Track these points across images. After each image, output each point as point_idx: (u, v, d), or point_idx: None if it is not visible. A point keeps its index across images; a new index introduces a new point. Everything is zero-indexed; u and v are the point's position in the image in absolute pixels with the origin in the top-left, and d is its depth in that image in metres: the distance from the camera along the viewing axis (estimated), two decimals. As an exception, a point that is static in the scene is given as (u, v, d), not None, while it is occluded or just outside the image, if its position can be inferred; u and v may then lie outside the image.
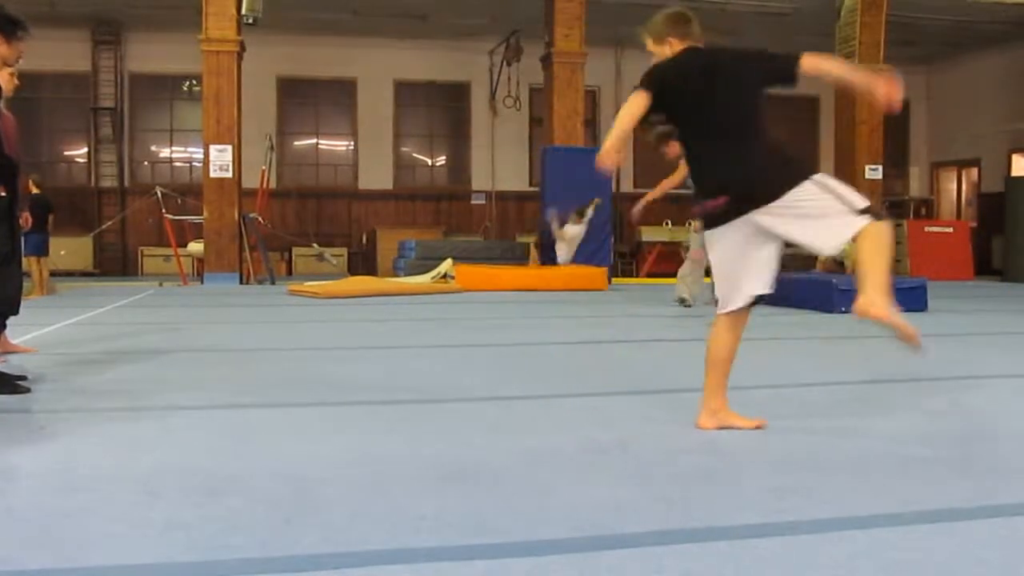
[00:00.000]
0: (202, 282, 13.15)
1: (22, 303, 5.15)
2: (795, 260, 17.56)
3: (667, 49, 3.44)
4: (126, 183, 16.67)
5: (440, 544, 1.99)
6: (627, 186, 18.35)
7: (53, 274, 11.05)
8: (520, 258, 13.85)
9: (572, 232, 12.42)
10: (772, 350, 5.52)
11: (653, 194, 7.56)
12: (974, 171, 19.11)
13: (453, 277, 11.85)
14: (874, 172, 15.39)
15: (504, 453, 2.87)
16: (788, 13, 15.72)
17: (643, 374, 4.61)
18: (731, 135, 3.13)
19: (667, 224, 16.57)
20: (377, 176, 17.53)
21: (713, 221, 3.10)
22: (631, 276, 16.17)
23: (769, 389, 4.03)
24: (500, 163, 17.85)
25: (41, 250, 10.06)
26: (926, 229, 16.38)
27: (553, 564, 1.87)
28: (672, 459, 2.81)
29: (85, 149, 16.80)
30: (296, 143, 17.66)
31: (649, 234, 16.25)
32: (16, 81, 4.90)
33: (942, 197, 20.06)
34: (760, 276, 3.09)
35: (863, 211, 2.90)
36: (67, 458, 2.81)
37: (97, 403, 3.74)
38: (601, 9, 14.74)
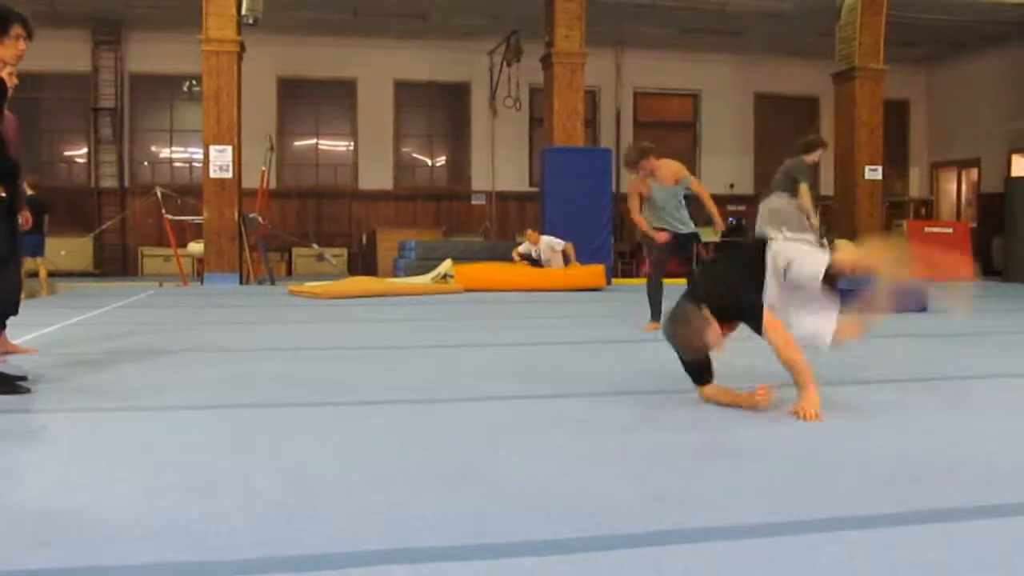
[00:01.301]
0: (202, 282, 13.15)
1: (24, 304, 5.16)
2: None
3: None
4: (126, 183, 16.66)
5: (440, 544, 1.99)
6: (627, 186, 18.36)
7: (50, 275, 11.04)
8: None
9: (544, 244, 12.45)
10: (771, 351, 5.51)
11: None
12: (974, 171, 19.11)
13: (453, 277, 11.86)
14: (874, 172, 15.40)
15: (504, 453, 2.87)
16: (788, 13, 15.72)
17: (643, 374, 4.60)
18: None
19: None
20: (377, 176, 17.53)
21: None
22: (631, 276, 16.17)
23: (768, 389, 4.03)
24: (500, 163, 17.85)
25: (37, 251, 10.05)
26: (926, 229, 16.37)
27: (553, 564, 1.87)
28: (672, 459, 2.81)
29: (85, 149, 16.79)
30: (296, 143, 17.66)
31: (649, 234, 16.25)
32: (15, 80, 4.87)
33: (942, 197, 20.06)
34: None
35: None
36: (67, 458, 2.81)
37: (97, 403, 3.74)
38: (601, 9, 14.75)
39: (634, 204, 7.16)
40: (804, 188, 8.32)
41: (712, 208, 7.15)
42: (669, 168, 7.11)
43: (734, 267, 3.78)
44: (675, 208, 7.14)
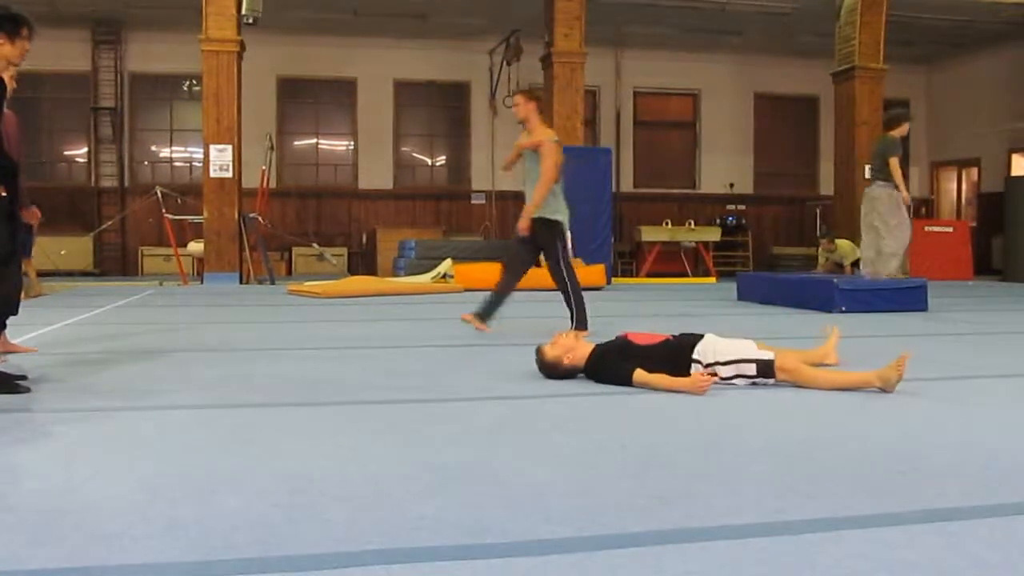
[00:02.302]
0: (202, 282, 13.16)
1: (22, 303, 5.15)
2: (795, 260, 17.59)
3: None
4: (126, 183, 16.67)
5: (440, 544, 1.99)
6: (627, 186, 18.37)
7: (50, 274, 11.03)
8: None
9: None
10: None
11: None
12: (974, 171, 19.12)
13: (452, 277, 11.86)
14: (874, 172, 15.39)
15: (504, 453, 2.87)
16: (788, 13, 15.73)
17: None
18: None
19: (667, 224, 16.58)
20: (377, 176, 17.54)
21: None
22: (631, 276, 16.18)
23: (768, 388, 4.04)
24: (500, 163, 17.83)
25: (26, 251, 10.02)
26: (926, 229, 16.39)
27: (553, 564, 1.87)
28: (672, 458, 2.81)
29: (85, 149, 16.80)
30: (296, 143, 17.67)
31: (649, 234, 16.28)
32: (14, 84, 4.89)
33: (942, 197, 20.07)
34: None
35: None
36: (67, 458, 2.81)
37: (97, 403, 3.74)
38: (601, 9, 14.75)
39: (511, 155, 6.49)
40: (893, 162, 8.76)
41: (536, 195, 6.15)
42: (544, 131, 6.27)
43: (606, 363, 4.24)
44: (533, 180, 6.24)
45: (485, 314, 6.34)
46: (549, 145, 6.16)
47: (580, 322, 6.22)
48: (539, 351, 4.37)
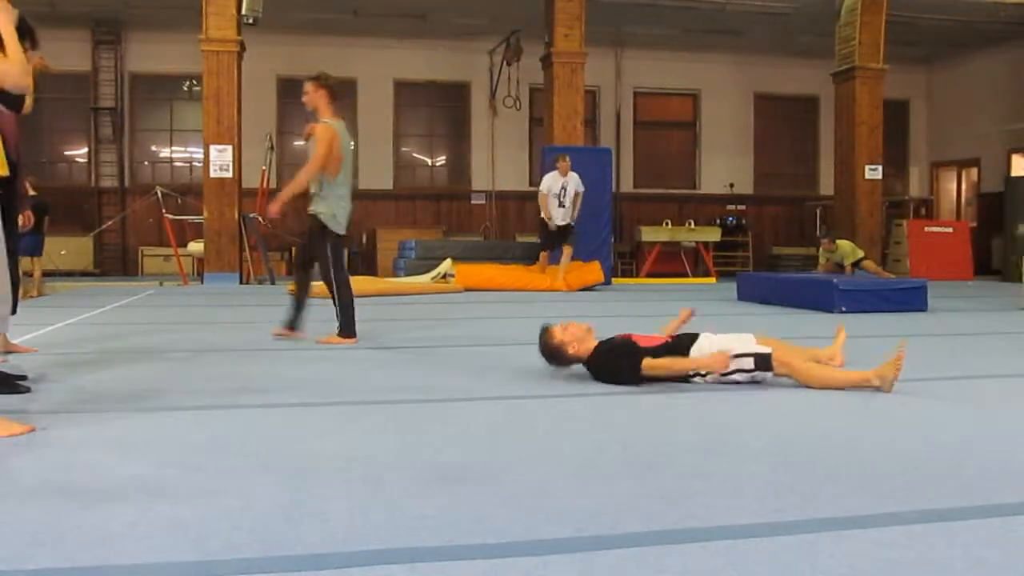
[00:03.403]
0: (202, 282, 13.16)
1: (20, 303, 5.16)
2: (795, 260, 17.59)
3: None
4: (126, 183, 16.67)
5: (440, 544, 1.99)
6: (627, 186, 18.36)
7: (51, 274, 11.04)
8: (520, 258, 13.84)
9: (573, 179, 12.20)
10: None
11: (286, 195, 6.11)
12: (974, 171, 19.11)
13: (453, 276, 11.87)
14: (874, 172, 15.41)
15: (504, 453, 2.87)
16: (788, 13, 15.72)
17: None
18: None
19: (667, 224, 16.58)
20: (377, 176, 17.52)
21: None
22: (631, 276, 16.18)
23: (768, 389, 4.04)
24: (500, 163, 17.85)
25: (36, 251, 10.07)
26: (926, 229, 16.39)
27: (553, 564, 1.87)
28: (672, 458, 2.81)
29: (85, 149, 16.80)
30: (296, 143, 17.63)
31: (649, 234, 16.28)
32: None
33: (942, 197, 20.06)
34: None
35: None
36: (67, 458, 2.81)
37: (97, 403, 3.74)
38: (601, 9, 14.75)
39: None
40: None
41: (299, 177, 5.95)
42: (324, 128, 5.90)
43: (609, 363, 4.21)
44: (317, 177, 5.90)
45: (294, 321, 6.12)
46: (323, 130, 5.81)
47: (346, 328, 5.96)
48: (547, 330, 4.27)
